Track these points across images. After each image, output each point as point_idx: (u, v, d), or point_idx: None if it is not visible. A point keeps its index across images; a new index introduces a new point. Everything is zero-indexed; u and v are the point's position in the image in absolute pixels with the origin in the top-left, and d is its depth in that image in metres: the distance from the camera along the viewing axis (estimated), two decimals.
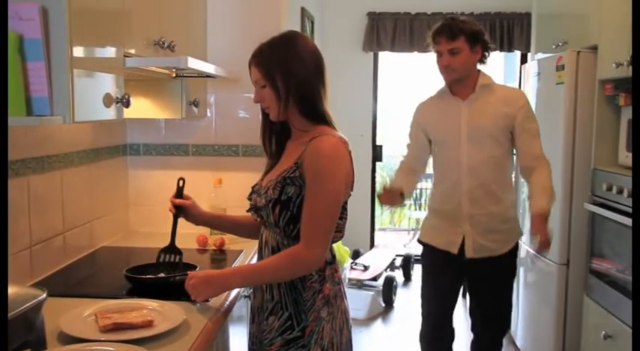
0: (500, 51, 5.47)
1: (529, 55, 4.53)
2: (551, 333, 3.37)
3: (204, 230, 2.50)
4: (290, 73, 1.65)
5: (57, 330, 1.51)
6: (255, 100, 1.72)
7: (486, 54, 2.65)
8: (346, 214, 1.73)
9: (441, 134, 2.74)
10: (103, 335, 1.49)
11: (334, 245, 1.77)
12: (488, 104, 2.64)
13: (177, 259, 1.98)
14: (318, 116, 1.70)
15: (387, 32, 5.41)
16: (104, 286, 2.03)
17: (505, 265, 2.76)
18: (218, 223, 2.08)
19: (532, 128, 2.63)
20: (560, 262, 3.29)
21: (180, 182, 1.98)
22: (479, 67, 2.69)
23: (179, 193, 1.97)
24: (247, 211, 1.81)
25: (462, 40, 2.55)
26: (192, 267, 1.97)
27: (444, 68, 2.61)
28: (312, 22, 4.48)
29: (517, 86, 5.10)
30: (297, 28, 3.73)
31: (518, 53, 5.63)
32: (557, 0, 3.86)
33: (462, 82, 2.66)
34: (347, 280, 4.56)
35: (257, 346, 1.76)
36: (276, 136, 1.80)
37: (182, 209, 1.95)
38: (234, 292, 1.93)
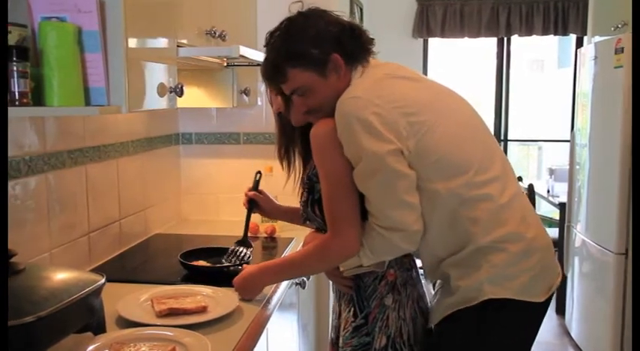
0: (555, 35, 5.31)
1: (585, 38, 4.38)
2: (608, 325, 3.28)
3: (255, 218, 2.52)
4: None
5: (115, 314, 1.55)
6: (274, 110, 1.74)
7: (364, 51, 1.62)
8: None
9: None
10: (159, 320, 1.53)
11: None
12: None
13: (248, 252, 2.00)
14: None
15: (437, 18, 5.31)
16: (159, 272, 2.07)
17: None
18: (290, 217, 2.02)
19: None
20: (617, 252, 3.19)
21: (257, 175, 2.00)
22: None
23: (255, 186, 2.00)
24: (302, 223, 1.79)
25: (296, 73, 1.55)
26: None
27: (308, 115, 1.63)
28: (361, 9, 4.45)
29: (572, 72, 4.94)
30: (347, 16, 3.70)
31: (573, 37, 5.45)
32: None
33: None
34: None
35: (336, 342, 1.74)
36: (301, 142, 1.76)
37: (256, 203, 1.98)
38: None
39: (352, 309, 1.63)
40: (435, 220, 1.51)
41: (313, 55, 1.53)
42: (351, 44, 1.58)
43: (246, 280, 1.72)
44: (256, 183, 2.01)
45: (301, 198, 1.68)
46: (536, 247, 1.54)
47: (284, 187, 1.79)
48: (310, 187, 1.62)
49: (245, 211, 2.01)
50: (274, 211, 2.04)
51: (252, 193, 1.98)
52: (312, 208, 1.63)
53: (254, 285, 1.73)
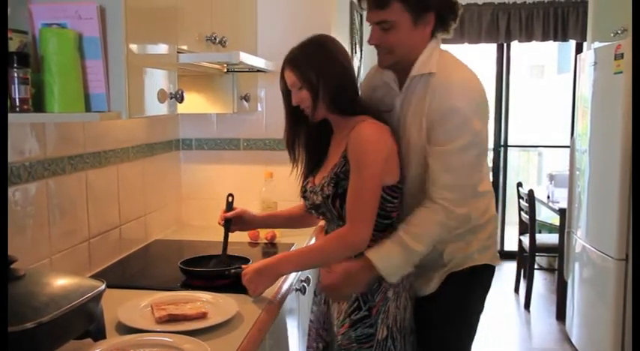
0: (555, 41, 5.33)
1: (585, 44, 4.39)
2: (608, 331, 3.27)
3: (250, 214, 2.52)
4: (325, 73, 1.70)
5: (115, 320, 1.55)
6: (294, 102, 1.75)
7: (448, 25, 1.75)
8: (398, 195, 1.75)
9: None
10: (158, 326, 1.53)
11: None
12: (418, 104, 1.72)
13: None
14: (356, 111, 1.73)
15: None
16: (159, 278, 2.07)
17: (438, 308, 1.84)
18: (272, 222, 2.15)
19: (437, 149, 1.66)
20: (618, 257, 3.19)
21: (230, 198, 2.03)
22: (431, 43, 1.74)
23: (229, 208, 2.03)
24: (307, 210, 1.86)
25: (397, 8, 1.65)
26: (245, 260, 2.00)
27: (376, 48, 1.76)
28: (362, 16, 4.45)
29: (572, 78, 4.95)
30: (347, 22, 3.71)
31: (573, 43, 5.47)
32: None
33: (403, 67, 1.76)
34: None
35: (326, 327, 1.85)
36: (314, 134, 1.83)
37: (232, 221, 2.00)
38: (287, 284, 1.94)
39: (355, 302, 1.73)
40: None
41: (421, 1, 1.67)
42: (447, 15, 1.74)
43: (259, 270, 1.75)
44: (229, 205, 2.03)
45: (322, 190, 1.74)
46: (497, 226, 1.96)
47: (295, 177, 1.87)
48: (336, 182, 1.71)
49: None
50: (252, 223, 2.08)
51: (229, 214, 2.01)
52: (332, 201, 1.72)
53: (269, 275, 1.75)
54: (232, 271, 1.89)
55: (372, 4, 1.69)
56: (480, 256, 1.86)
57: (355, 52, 4.01)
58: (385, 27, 1.68)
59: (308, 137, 1.84)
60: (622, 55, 3.11)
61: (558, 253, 4.41)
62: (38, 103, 1.34)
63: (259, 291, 1.76)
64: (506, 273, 5.33)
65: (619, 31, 3.43)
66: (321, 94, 1.70)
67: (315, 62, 1.70)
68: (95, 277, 1.84)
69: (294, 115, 1.80)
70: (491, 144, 5.73)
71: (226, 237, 2.01)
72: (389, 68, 1.79)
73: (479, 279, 1.89)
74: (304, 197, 1.85)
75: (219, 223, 2.01)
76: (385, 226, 1.74)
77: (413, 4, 1.66)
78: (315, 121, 1.76)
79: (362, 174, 1.65)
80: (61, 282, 1.31)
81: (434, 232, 1.69)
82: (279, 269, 1.77)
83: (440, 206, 1.66)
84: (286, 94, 1.78)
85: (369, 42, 1.74)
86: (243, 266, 1.83)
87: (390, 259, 1.67)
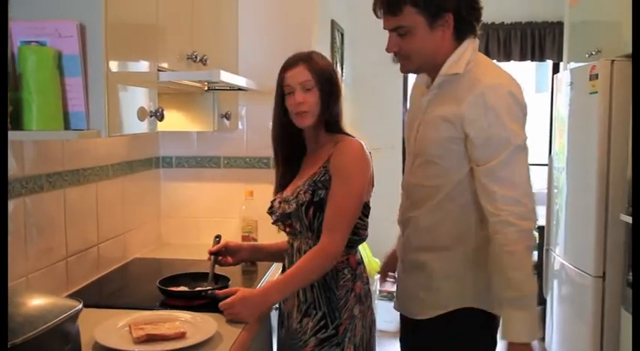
0: (532, 61, 5.41)
1: (561, 64, 4.47)
2: (587, 348, 3.29)
3: (237, 238, 2.51)
4: (336, 87, 1.77)
5: (91, 340, 1.53)
6: (297, 100, 1.75)
7: (472, 26, 1.68)
8: (368, 213, 1.81)
9: (405, 133, 1.94)
10: (136, 346, 1.51)
11: (360, 247, 1.85)
12: (442, 105, 1.67)
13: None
14: (338, 130, 1.81)
15: None
16: (137, 297, 2.05)
17: (428, 338, 1.79)
18: (258, 254, 2.11)
19: (479, 154, 1.59)
20: (595, 275, 3.21)
21: (217, 239, 2.04)
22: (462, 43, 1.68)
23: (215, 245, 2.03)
24: (273, 223, 1.85)
25: (410, 13, 1.60)
26: (225, 279, 1.98)
27: (394, 55, 1.73)
28: (342, 35, 4.49)
29: (549, 96, 5.02)
30: (328, 41, 3.74)
31: (550, 63, 5.56)
32: (590, 8, 3.81)
33: (429, 71, 1.74)
34: (378, 292, 4.53)
35: (288, 349, 1.80)
36: (291, 146, 1.86)
37: (219, 254, 2.00)
38: None
39: (321, 321, 1.71)
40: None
41: (434, 2, 1.61)
42: (467, 14, 1.66)
43: (246, 302, 1.70)
44: (216, 243, 2.03)
45: (296, 197, 1.75)
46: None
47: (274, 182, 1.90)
48: (314, 190, 1.73)
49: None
50: (239, 251, 2.04)
51: (214, 248, 2.00)
52: (307, 209, 1.72)
53: (255, 305, 1.71)
54: (209, 292, 1.87)
55: (385, 11, 1.65)
56: (476, 299, 1.67)
57: None
58: (401, 33, 1.65)
59: (289, 148, 1.86)
60: (597, 76, 3.17)
61: (537, 270, 4.44)
62: (16, 121, 1.33)
63: (251, 320, 1.72)
64: None
65: (593, 52, 3.50)
66: (328, 105, 1.75)
67: (331, 73, 1.78)
68: (72, 296, 1.82)
69: (284, 113, 1.82)
70: None
71: (213, 268, 1.97)
72: (411, 73, 1.81)
73: (464, 327, 1.68)
74: (271, 211, 1.85)
75: (208, 259, 1.99)
76: (353, 243, 1.77)
77: (426, 6, 1.60)
78: (302, 126, 1.78)
79: (349, 185, 1.70)
80: (36, 302, 1.29)
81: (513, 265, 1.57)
82: (268, 300, 1.74)
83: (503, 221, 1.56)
84: (282, 91, 1.81)
85: (387, 49, 1.71)
86: (220, 293, 1.80)
87: (516, 326, 1.58)
